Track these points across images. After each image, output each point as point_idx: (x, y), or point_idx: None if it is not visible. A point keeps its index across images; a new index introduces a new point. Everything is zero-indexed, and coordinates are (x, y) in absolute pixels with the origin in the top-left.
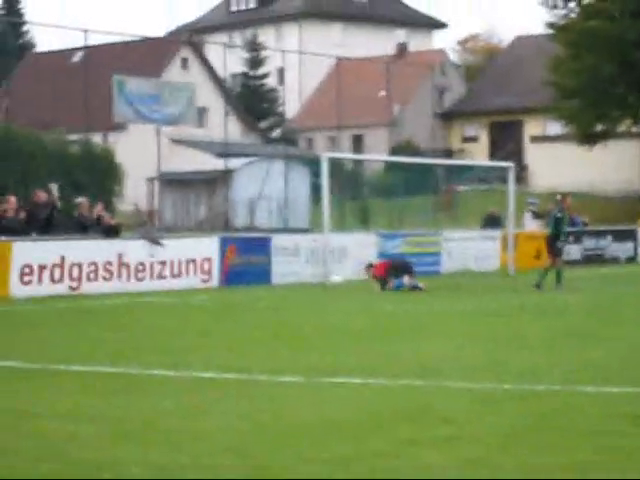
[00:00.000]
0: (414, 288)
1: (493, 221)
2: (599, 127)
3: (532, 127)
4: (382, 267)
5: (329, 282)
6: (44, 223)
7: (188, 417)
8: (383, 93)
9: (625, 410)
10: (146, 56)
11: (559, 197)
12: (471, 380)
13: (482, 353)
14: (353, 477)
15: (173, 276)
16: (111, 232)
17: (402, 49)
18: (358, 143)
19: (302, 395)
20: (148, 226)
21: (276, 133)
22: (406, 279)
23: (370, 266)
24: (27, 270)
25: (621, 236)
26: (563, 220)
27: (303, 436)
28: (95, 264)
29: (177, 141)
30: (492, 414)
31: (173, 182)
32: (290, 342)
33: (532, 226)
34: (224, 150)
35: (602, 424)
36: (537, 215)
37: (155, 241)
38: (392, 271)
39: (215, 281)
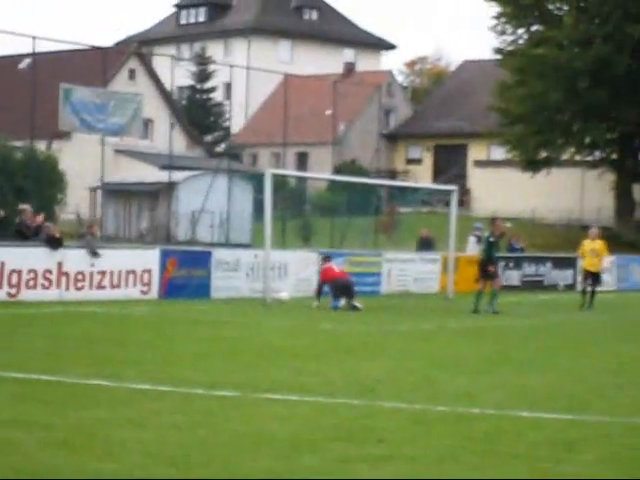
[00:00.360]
0: (353, 308)
1: (426, 244)
2: (543, 154)
3: (476, 151)
4: (327, 274)
5: (277, 298)
6: None
7: (123, 428)
8: (329, 112)
9: (559, 436)
10: (93, 65)
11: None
12: (406, 400)
13: (418, 374)
14: None
15: (112, 286)
16: (54, 243)
17: (350, 68)
18: (302, 161)
19: (238, 410)
20: (88, 236)
21: (221, 148)
22: (343, 301)
23: (326, 258)
24: None
25: (561, 263)
26: (495, 244)
27: (237, 451)
28: (35, 272)
29: (121, 151)
30: (426, 435)
31: (116, 192)
32: (228, 357)
33: (476, 250)
34: (168, 162)
35: (536, 449)
36: (481, 240)
37: (93, 251)
38: (333, 287)
39: (154, 293)
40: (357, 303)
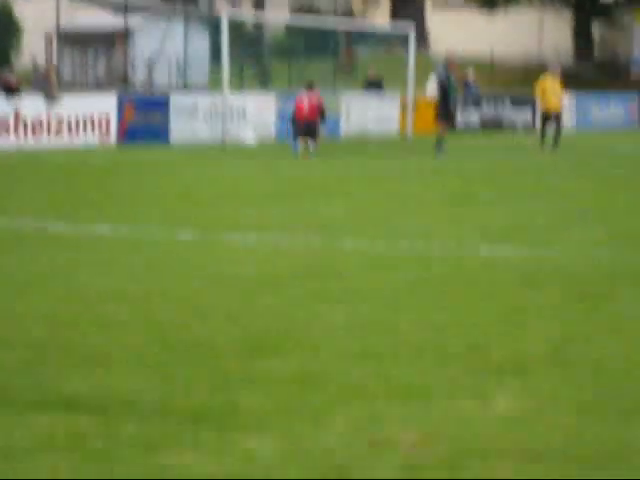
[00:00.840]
0: (306, 151)
1: (374, 84)
2: None
3: None
4: (297, 112)
5: (243, 142)
6: None
7: (83, 272)
8: None
9: (519, 271)
10: None
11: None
12: (366, 239)
13: (378, 213)
14: (245, 333)
15: (70, 133)
16: (10, 91)
17: None
18: (259, 3)
19: (197, 252)
20: (45, 82)
21: None
22: (302, 142)
23: (309, 85)
24: None
25: (519, 103)
26: (451, 85)
27: (198, 293)
28: None
29: None
30: (385, 272)
31: (72, 38)
32: (187, 200)
33: (435, 91)
34: (124, 7)
35: (496, 284)
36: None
37: (50, 97)
38: (296, 128)
39: (113, 139)
40: (310, 147)
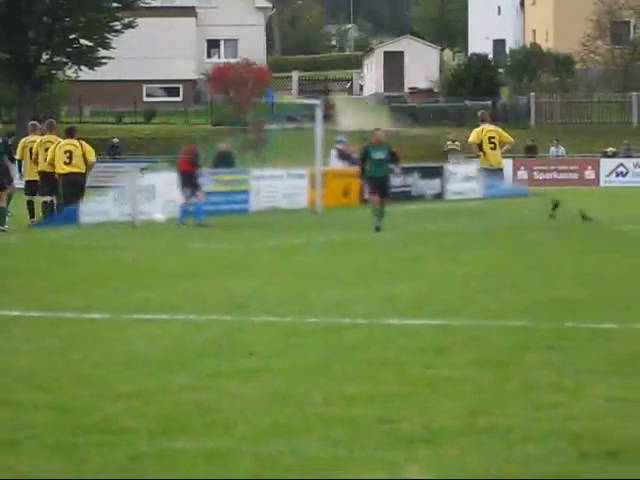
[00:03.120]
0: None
1: (225, 158)
2: None
3: None
4: (184, 162)
5: (153, 220)
6: None
7: None
8: None
9: (428, 342)
10: None
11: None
12: (277, 314)
13: (289, 288)
14: (158, 410)
15: None
16: None
17: None
18: None
19: (109, 332)
20: None
21: None
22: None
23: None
24: None
25: (428, 173)
26: (370, 158)
27: (108, 372)
28: None
29: None
30: (297, 347)
31: None
32: (98, 280)
33: (338, 165)
34: None
35: (406, 356)
36: (343, 154)
37: None
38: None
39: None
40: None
